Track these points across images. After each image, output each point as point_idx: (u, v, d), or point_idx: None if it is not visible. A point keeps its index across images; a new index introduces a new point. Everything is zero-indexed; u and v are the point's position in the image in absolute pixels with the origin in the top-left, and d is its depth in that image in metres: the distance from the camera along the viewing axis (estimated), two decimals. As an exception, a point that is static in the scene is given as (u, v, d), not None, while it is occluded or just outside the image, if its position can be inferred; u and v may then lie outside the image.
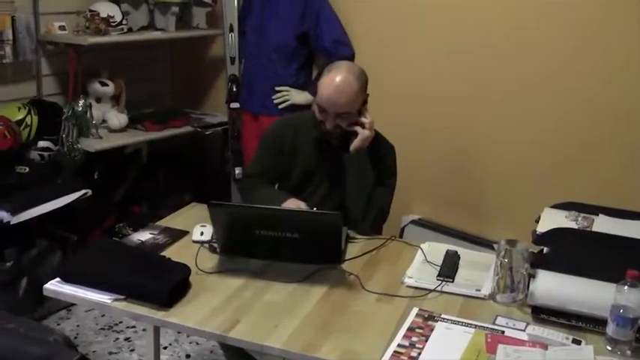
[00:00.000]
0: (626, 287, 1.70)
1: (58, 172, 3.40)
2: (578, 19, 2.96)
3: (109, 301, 1.86)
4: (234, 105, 3.71)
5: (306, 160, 2.48)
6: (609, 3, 2.88)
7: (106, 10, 3.34)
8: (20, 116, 3.18)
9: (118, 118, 3.49)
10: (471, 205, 3.35)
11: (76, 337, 3.11)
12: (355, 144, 2.33)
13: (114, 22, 3.35)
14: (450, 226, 3.37)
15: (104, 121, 3.52)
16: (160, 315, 1.82)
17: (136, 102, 3.84)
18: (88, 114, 3.34)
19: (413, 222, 3.44)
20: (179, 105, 4.12)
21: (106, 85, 3.50)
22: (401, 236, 3.45)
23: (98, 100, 3.53)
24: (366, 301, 1.93)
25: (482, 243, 3.18)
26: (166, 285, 1.84)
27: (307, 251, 2.07)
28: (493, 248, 3.06)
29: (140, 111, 3.80)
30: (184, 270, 1.96)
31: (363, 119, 2.33)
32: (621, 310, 1.69)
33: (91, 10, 3.31)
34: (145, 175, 3.87)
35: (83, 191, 3.24)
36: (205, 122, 3.90)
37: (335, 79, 2.28)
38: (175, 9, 3.59)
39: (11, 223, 2.97)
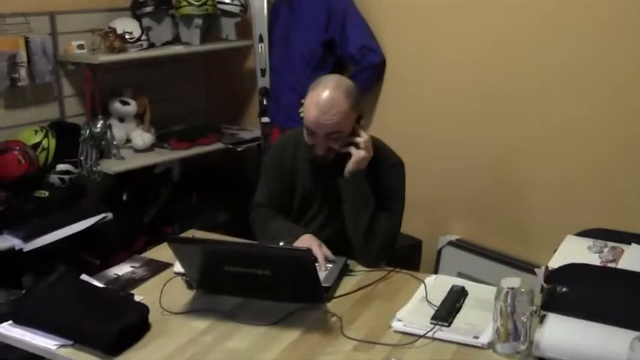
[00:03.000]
0: (642, 343, 1.36)
1: (81, 196, 3.32)
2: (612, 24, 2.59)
3: (54, 348, 1.70)
4: (265, 119, 3.55)
5: (304, 183, 2.24)
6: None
7: (123, 26, 3.23)
8: (36, 140, 3.10)
9: (142, 137, 3.37)
10: (516, 225, 2.99)
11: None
12: (349, 166, 2.07)
13: (132, 38, 3.23)
14: (493, 248, 3.02)
15: (129, 140, 3.42)
16: (103, 364, 1.65)
17: (170, 119, 3.73)
18: (109, 134, 3.24)
19: (451, 243, 3.11)
20: (215, 121, 3.96)
21: (127, 104, 3.38)
22: (437, 259, 3.14)
23: (121, 119, 3.43)
24: (340, 350, 1.67)
25: (526, 268, 2.82)
26: (112, 330, 1.66)
27: (284, 289, 1.84)
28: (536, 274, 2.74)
29: (172, 129, 3.68)
30: (141, 311, 1.77)
31: (357, 139, 2.06)
32: (638, 373, 1.35)
33: (109, 28, 3.21)
34: (177, 195, 3.74)
35: (102, 215, 3.14)
36: (239, 138, 3.72)
37: (321, 96, 2.02)
38: (198, 21, 3.43)
39: (24, 250, 2.90)
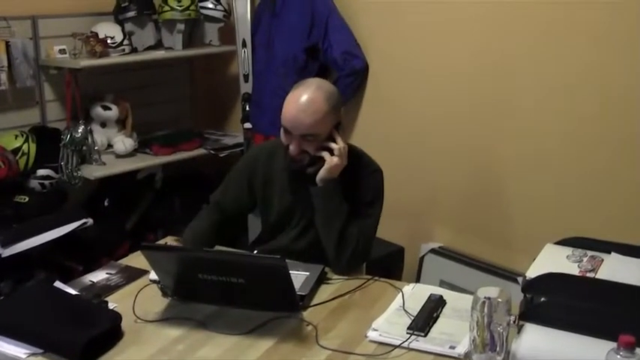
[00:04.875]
0: (618, 357, 1.33)
1: (62, 201, 3.28)
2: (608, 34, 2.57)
3: (24, 356, 1.66)
4: (247, 125, 3.53)
5: (281, 195, 2.21)
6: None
7: (105, 30, 3.20)
8: (17, 144, 3.07)
9: (123, 142, 3.34)
10: (499, 233, 2.97)
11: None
12: (321, 173, 2.05)
13: (114, 43, 3.21)
14: (476, 256, 3.00)
15: (111, 146, 3.38)
16: (73, 374, 1.61)
17: (153, 125, 3.69)
18: (90, 139, 3.20)
19: (433, 251, 3.08)
20: (199, 126, 3.94)
21: (109, 109, 3.34)
22: (420, 267, 3.12)
23: (103, 124, 3.39)
24: (314, 360, 1.65)
25: (509, 277, 2.80)
26: (82, 339, 1.62)
27: (259, 297, 1.81)
28: (518, 283, 2.71)
29: (155, 134, 3.64)
30: (113, 320, 1.74)
31: (332, 145, 2.04)
32: (615, 388, 1.33)
33: (91, 32, 3.18)
34: (160, 201, 3.71)
35: (82, 221, 3.09)
36: (222, 144, 3.70)
37: (301, 96, 2.00)
38: (181, 26, 3.41)
39: (3, 255, 2.86)
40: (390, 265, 3.07)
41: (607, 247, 1.80)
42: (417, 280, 3.08)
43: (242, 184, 2.28)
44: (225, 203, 2.32)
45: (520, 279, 1.74)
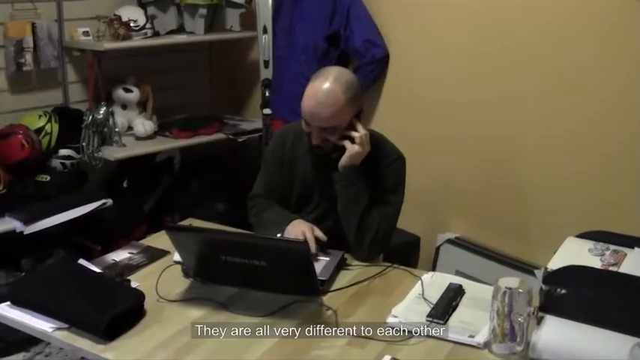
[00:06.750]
0: (642, 350, 1.34)
1: (82, 181, 3.32)
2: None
3: (50, 330, 1.70)
4: (267, 111, 3.54)
5: (303, 175, 2.23)
6: None
7: (128, 14, 3.22)
8: (40, 124, 3.11)
9: (144, 125, 3.37)
10: (516, 225, 2.97)
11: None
12: (342, 161, 2.06)
13: (136, 26, 3.22)
14: (492, 247, 3.01)
15: (131, 128, 3.41)
16: (97, 349, 1.64)
17: (173, 108, 3.72)
18: (111, 121, 3.23)
19: (449, 241, 3.09)
20: (218, 111, 3.96)
21: (130, 91, 3.37)
22: (436, 257, 3.13)
23: (124, 106, 3.42)
24: (334, 344, 1.66)
25: (526, 269, 2.80)
26: (106, 316, 1.65)
27: (280, 281, 1.82)
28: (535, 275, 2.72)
29: (174, 118, 3.67)
30: (136, 298, 1.77)
31: (353, 133, 2.04)
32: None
33: (114, 15, 3.20)
34: (178, 184, 3.73)
35: (102, 201, 3.12)
36: (240, 129, 3.71)
37: (319, 89, 2.00)
38: (203, 11, 3.42)
39: (25, 232, 2.90)
40: (406, 254, 3.09)
41: (630, 241, 1.80)
42: (433, 269, 3.08)
43: (276, 165, 2.27)
44: (273, 193, 2.27)
45: (541, 271, 1.75)
